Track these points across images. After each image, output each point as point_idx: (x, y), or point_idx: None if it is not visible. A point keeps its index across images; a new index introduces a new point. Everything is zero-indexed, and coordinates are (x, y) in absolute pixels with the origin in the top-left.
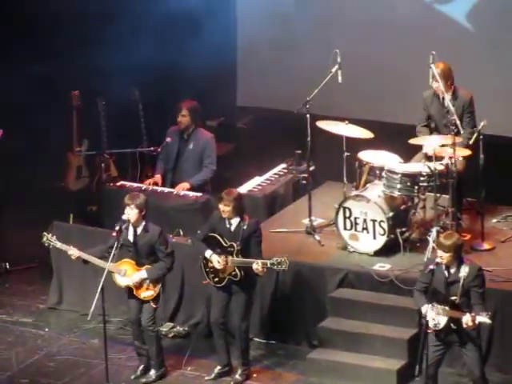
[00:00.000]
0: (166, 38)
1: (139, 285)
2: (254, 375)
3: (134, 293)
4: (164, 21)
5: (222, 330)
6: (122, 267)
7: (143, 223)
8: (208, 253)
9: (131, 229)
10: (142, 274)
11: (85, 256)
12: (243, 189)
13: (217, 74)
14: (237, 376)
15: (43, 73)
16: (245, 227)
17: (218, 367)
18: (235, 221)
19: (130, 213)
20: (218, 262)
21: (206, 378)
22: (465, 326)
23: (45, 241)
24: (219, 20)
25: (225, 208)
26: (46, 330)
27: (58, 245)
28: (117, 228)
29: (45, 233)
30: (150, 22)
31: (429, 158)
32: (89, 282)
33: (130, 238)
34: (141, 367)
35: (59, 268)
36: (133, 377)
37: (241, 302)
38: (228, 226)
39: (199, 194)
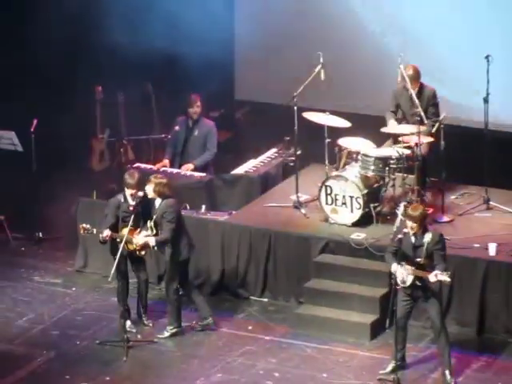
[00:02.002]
0: (173, 40)
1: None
2: (250, 327)
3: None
4: (171, 22)
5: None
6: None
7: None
8: None
9: (130, 200)
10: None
11: (113, 235)
12: (240, 170)
13: (218, 72)
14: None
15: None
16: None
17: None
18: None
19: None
20: None
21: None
22: (431, 280)
23: (83, 232)
24: (218, 26)
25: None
26: (73, 289)
27: (95, 231)
28: (133, 203)
29: (82, 225)
30: (158, 24)
31: (396, 143)
32: (108, 248)
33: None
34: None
35: (84, 237)
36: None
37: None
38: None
39: (203, 174)
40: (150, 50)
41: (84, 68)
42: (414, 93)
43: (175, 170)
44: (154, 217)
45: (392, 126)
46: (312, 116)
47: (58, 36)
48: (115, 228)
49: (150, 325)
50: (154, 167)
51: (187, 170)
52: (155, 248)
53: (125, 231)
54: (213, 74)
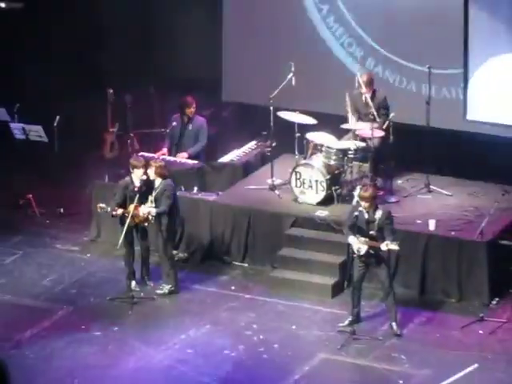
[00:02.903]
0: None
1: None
2: (233, 287)
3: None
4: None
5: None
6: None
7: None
8: None
9: (136, 181)
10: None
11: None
12: (226, 158)
13: (208, 78)
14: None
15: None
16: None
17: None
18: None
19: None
20: None
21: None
22: (383, 248)
23: (100, 210)
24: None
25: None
26: (88, 255)
27: (109, 209)
28: (138, 184)
29: (99, 205)
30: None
31: (355, 137)
32: (117, 221)
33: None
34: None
35: (97, 212)
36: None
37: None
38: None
39: (195, 162)
40: (151, 59)
41: (98, 73)
42: (368, 96)
43: (172, 158)
44: (155, 193)
45: (350, 123)
46: (285, 114)
47: (77, 47)
48: (123, 205)
49: (151, 285)
50: (155, 155)
51: (182, 157)
52: (153, 219)
53: (131, 207)
54: (203, 78)
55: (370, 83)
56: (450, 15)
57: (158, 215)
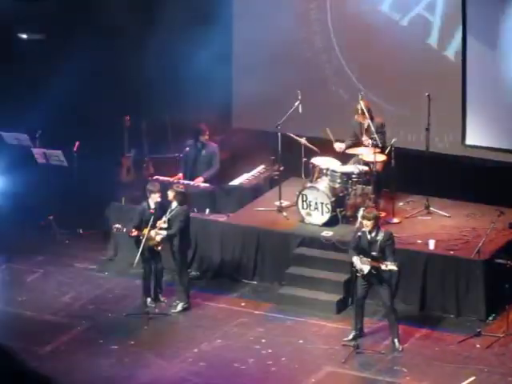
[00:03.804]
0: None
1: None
2: (243, 304)
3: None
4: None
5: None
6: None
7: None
8: None
9: (152, 204)
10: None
11: (138, 233)
12: (236, 181)
13: (218, 107)
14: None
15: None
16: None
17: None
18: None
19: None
20: None
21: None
22: (383, 268)
23: (116, 231)
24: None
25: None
26: (106, 273)
27: (124, 230)
28: (153, 207)
29: (114, 225)
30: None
31: (358, 162)
32: (133, 241)
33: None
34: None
35: (114, 233)
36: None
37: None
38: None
39: (207, 185)
40: (164, 89)
41: (116, 101)
42: (370, 122)
43: (186, 182)
44: (169, 215)
45: (354, 149)
46: (292, 140)
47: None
48: (139, 227)
49: (165, 301)
50: (171, 179)
51: (199, 182)
52: (164, 241)
53: (146, 230)
54: (214, 107)
55: (368, 110)
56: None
57: (170, 238)
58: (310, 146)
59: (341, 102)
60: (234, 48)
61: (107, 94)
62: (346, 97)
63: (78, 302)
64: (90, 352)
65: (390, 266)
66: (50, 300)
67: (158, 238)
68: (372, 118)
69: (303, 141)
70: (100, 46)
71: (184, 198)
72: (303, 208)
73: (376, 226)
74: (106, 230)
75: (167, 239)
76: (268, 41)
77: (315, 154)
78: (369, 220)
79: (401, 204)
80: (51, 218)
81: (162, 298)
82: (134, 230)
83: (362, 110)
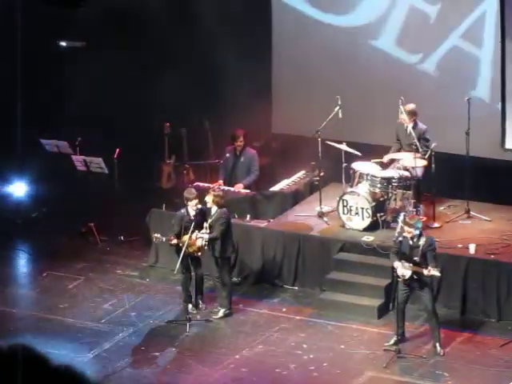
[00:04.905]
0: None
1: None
2: (284, 309)
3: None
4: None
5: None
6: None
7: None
8: None
9: (191, 211)
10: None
11: (178, 241)
12: (276, 187)
13: (258, 111)
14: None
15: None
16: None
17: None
18: None
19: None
20: None
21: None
22: (425, 274)
23: (155, 240)
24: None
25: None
26: (147, 280)
27: (164, 239)
28: (193, 213)
29: (154, 235)
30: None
31: (390, 165)
32: (174, 248)
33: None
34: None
35: (158, 241)
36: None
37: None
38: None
39: (248, 191)
40: (206, 95)
41: (155, 109)
42: (410, 127)
43: (227, 188)
44: (210, 220)
45: (393, 154)
46: (333, 145)
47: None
48: (179, 235)
49: (205, 307)
50: (211, 185)
51: (239, 188)
52: (206, 245)
53: (185, 238)
54: (254, 112)
55: (412, 114)
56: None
57: (211, 241)
58: (351, 150)
59: (384, 104)
60: (274, 48)
61: (147, 102)
62: (388, 99)
63: (119, 308)
64: (132, 359)
65: (432, 271)
66: (93, 307)
67: (199, 243)
68: (416, 123)
69: (344, 147)
70: (138, 57)
71: (222, 200)
72: (344, 213)
73: (418, 233)
74: (146, 236)
75: (209, 244)
76: (309, 43)
77: (356, 159)
78: (410, 226)
79: (441, 208)
80: (92, 224)
81: (202, 305)
82: (173, 238)
83: (401, 115)
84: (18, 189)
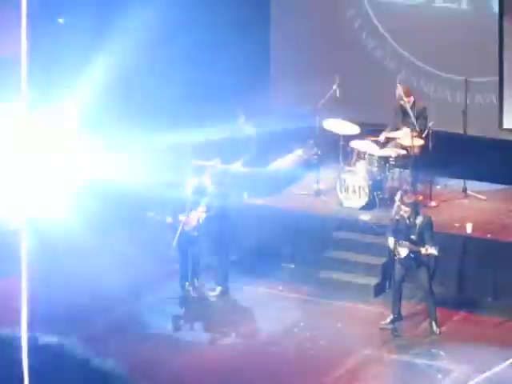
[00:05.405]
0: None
1: None
2: (280, 287)
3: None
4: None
5: None
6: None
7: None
8: None
9: (189, 189)
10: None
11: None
12: (274, 165)
13: (256, 86)
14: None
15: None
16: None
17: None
18: None
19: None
20: None
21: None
22: (423, 252)
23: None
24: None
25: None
26: (145, 257)
27: (160, 217)
28: (190, 191)
29: (148, 213)
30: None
31: (387, 143)
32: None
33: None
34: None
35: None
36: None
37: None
38: None
39: (245, 169)
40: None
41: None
42: (408, 106)
43: (224, 165)
44: (207, 199)
45: (391, 133)
46: (330, 124)
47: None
48: (175, 213)
49: (202, 286)
50: (209, 163)
51: (237, 165)
52: (202, 223)
53: (182, 216)
54: (252, 88)
55: (409, 93)
56: (485, 25)
57: (209, 220)
58: (349, 129)
59: (380, 84)
60: (273, 28)
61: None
62: (384, 78)
63: (116, 285)
64: (128, 336)
65: (430, 249)
66: (88, 284)
67: (195, 222)
68: (414, 103)
69: (341, 126)
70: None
71: (220, 179)
72: (341, 192)
73: (415, 210)
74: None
75: (206, 222)
76: (308, 20)
77: (353, 138)
78: (407, 205)
79: (438, 187)
80: None
81: (198, 283)
82: (169, 216)
83: (399, 94)
84: None
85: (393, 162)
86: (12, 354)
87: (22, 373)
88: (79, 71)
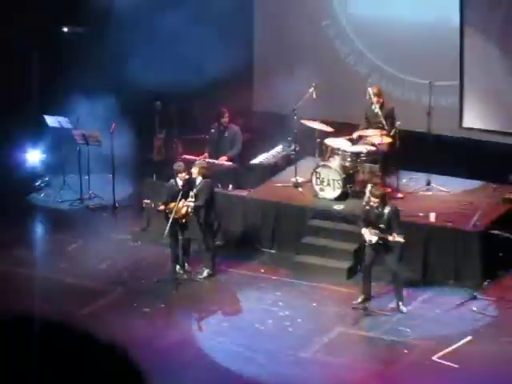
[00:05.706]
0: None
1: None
2: (262, 270)
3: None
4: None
5: None
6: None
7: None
8: None
9: (180, 182)
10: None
11: (166, 208)
12: (256, 160)
13: (240, 90)
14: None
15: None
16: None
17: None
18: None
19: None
20: None
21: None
22: (390, 239)
23: (145, 206)
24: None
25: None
26: (139, 242)
27: (153, 205)
28: (181, 184)
29: (144, 201)
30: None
31: (359, 141)
32: (163, 216)
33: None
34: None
35: (147, 207)
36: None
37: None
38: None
39: (231, 163)
40: (192, 77)
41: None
42: (377, 107)
43: (211, 160)
44: (195, 190)
45: (362, 131)
46: (307, 122)
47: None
48: (167, 203)
49: (190, 269)
50: (197, 158)
51: (223, 160)
52: (191, 212)
53: (173, 205)
54: (237, 91)
55: (380, 93)
56: (448, 36)
57: (197, 209)
58: (324, 127)
59: (352, 87)
60: (256, 36)
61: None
62: (356, 82)
63: (113, 269)
64: (125, 314)
65: (397, 237)
66: (90, 267)
67: (184, 211)
68: (383, 104)
69: (317, 125)
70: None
71: (207, 171)
72: (317, 184)
73: (383, 202)
74: (139, 203)
75: (195, 211)
76: (287, 30)
77: (328, 135)
78: (376, 196)
79: (404, 181)
80: (91, 192)
81: (187, 266)
82: (161, 205)
83: (369, 96)
84: (32, 157)
85: (364, 158)
86: (15, 332)
87: (26, 350)
88: None
